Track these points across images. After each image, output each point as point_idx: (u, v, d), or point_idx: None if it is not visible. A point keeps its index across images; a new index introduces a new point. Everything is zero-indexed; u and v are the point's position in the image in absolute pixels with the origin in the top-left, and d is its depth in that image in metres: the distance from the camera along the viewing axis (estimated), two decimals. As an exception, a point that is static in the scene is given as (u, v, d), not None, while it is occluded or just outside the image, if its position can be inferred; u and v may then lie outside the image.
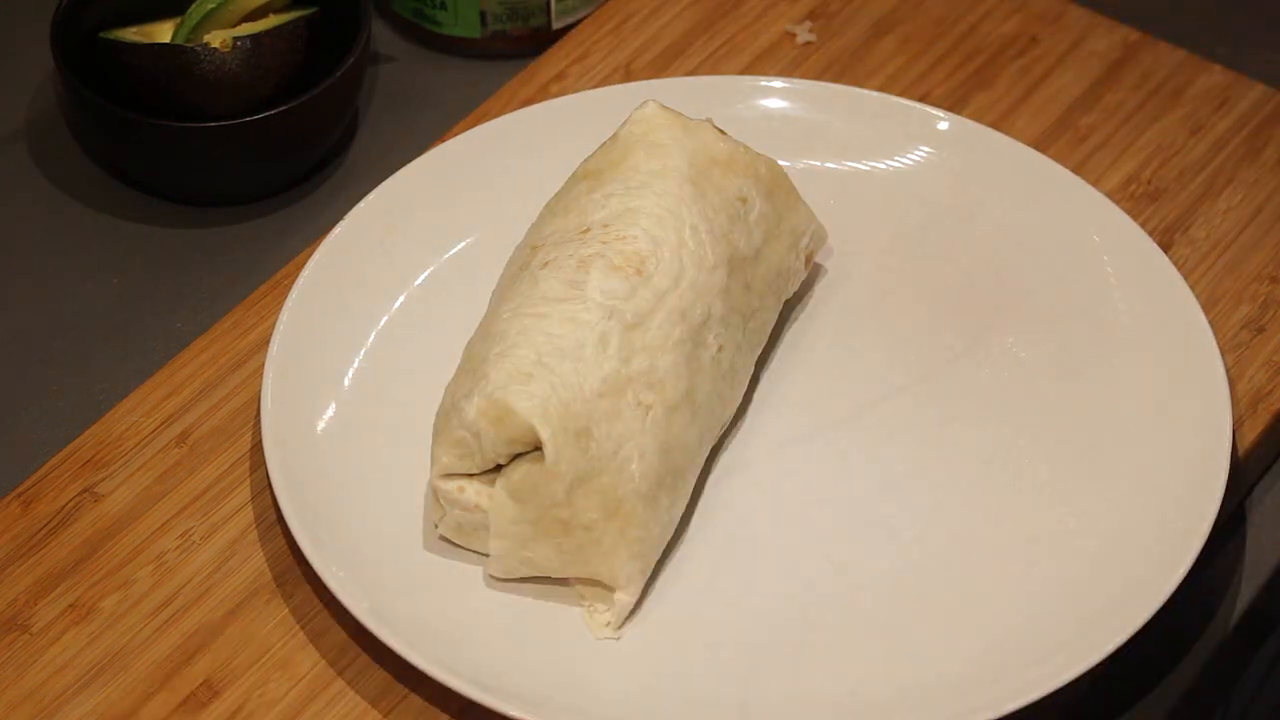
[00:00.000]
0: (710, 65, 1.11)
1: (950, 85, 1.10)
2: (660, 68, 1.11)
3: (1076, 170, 1.05)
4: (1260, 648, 0.99)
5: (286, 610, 0.90)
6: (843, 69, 1.11)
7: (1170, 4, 1.18)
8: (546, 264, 0.91)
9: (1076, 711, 0.88)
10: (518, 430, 0.86)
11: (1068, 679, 0.85)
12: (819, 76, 1.11)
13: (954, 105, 1.09)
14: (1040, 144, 1.07)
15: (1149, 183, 1.06)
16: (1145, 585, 0.87)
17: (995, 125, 1.07)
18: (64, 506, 0.94)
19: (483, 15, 1.13)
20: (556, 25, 1.14)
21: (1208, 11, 1.18)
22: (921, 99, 1.09)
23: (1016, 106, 1.09)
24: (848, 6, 1.14)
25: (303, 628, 0.89)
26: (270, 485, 0.91)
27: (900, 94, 1.09)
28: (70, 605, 0.90)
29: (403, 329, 0.99)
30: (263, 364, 0.98)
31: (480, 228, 1.02)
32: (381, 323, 0.99)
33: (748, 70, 1.11)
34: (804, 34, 1.13)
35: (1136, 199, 1.05)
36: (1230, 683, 0.96)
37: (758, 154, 0.96)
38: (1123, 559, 0.89)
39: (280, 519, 0.92)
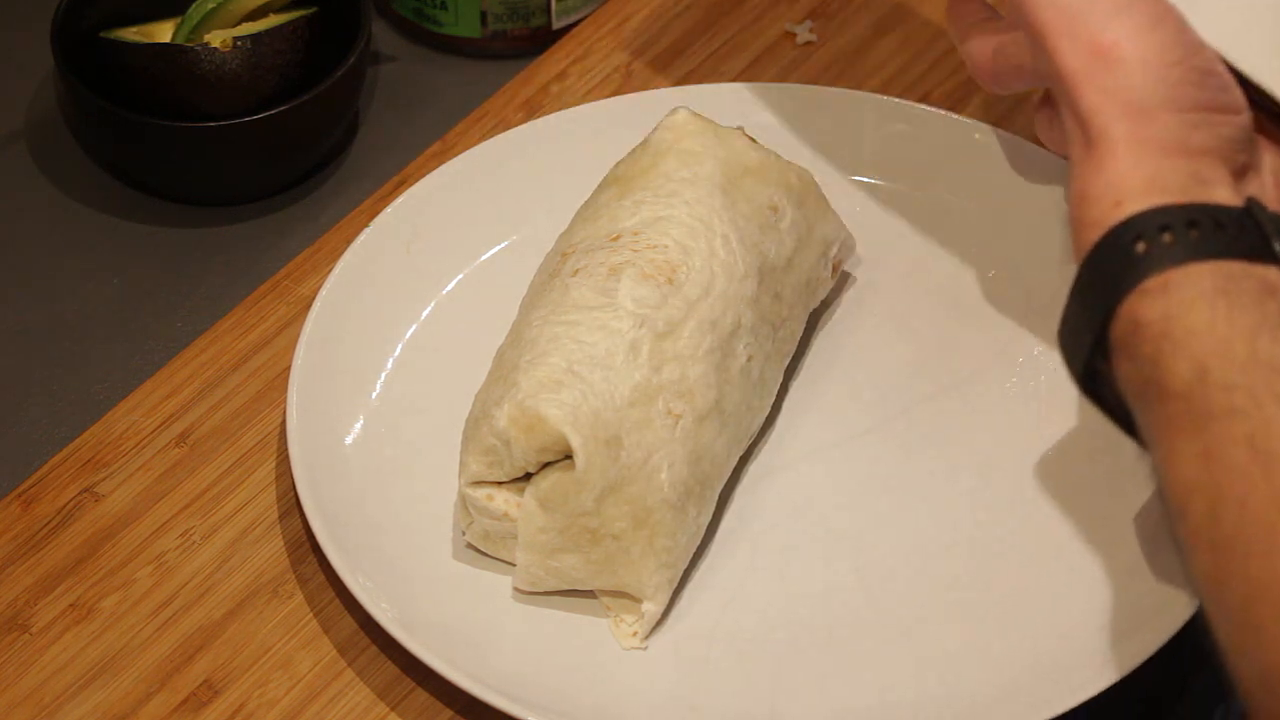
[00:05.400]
0: (711, 65, 1.11)
1: (950, 85, 1.10)
2: (661, 68, 1.11)
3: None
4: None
5: (286, 610, 0.90)
6: (843, 69, 1.11)
7: (1170, 4, 1.18)
8: (577, 271, 0.90)
9: (1078, 713, 0.88)
10: (548, 438, 0.86)
11: (1098, 690, 0.84)
12: (819, 76, 1.11)
13: (954, 105, 1.09)
14: (1040, 144, 1.07)
15: (1149, 183, 1.06)
16: (1177, 593, 0.87)
17: (995, 125, 1.07)
18: (64, 506, 0.94)
19: (483, 15, 1.13)
20: (556, 25, 1.14)
21: (1208, 11, 1.18)
22: (921, 99, 1.09)
23: (1017, 106, 1.09)
24: (848, 6, 1.14)
25: (303, 628, 0.89)
26: (297, 499, 0.91)
27: (900, 94, 1.09)
28: (70, 605, 0.90)
29: (431, 336, 0.98)
30: (263, 364, 0.98)
31: (509, 234, 1.01)
32: (410, 331, 0.98)
33: (748, 70, 1.11)
34: (804, 34, 1.13)
35: (1137, 199, 1.05)
36: (1231, 683, 0.95)
37: (788, 162, 0.96)
38: (1154, 567, 0.88)
39: (305, 523, 0.92)
